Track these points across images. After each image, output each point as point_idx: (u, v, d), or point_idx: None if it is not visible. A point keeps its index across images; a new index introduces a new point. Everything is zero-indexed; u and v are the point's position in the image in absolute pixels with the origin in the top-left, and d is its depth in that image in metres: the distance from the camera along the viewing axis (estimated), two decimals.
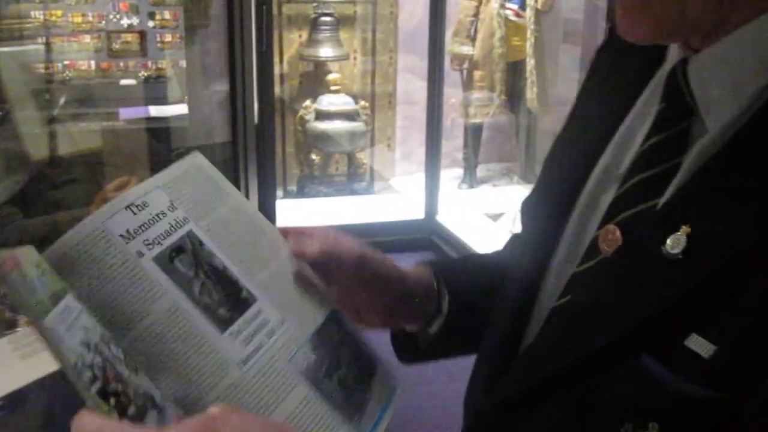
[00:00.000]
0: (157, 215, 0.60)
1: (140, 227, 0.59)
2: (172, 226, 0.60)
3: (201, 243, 0.61)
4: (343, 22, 3.94)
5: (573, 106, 0.68)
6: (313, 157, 3.98)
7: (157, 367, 0.56)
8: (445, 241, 3.49)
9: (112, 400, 0.49)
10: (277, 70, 3.62)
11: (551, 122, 3.62)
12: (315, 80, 3.95)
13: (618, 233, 0.54)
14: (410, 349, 0.76)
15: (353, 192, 3.98)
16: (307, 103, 3.83)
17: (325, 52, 3.80)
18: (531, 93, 3.57)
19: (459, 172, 4.12)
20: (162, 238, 0.59)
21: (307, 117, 3.85)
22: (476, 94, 3.83)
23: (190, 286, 0.59)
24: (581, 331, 0.53)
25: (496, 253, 0.80)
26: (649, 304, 0.49)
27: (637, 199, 0.53)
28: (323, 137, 3.86)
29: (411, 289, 0.72)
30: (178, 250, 0.60)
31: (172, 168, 0.66)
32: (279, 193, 3.62)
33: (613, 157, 0.58)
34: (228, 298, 0.61)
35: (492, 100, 3.78)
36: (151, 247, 0.59)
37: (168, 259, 0.59)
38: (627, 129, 0.58)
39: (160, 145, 3.21)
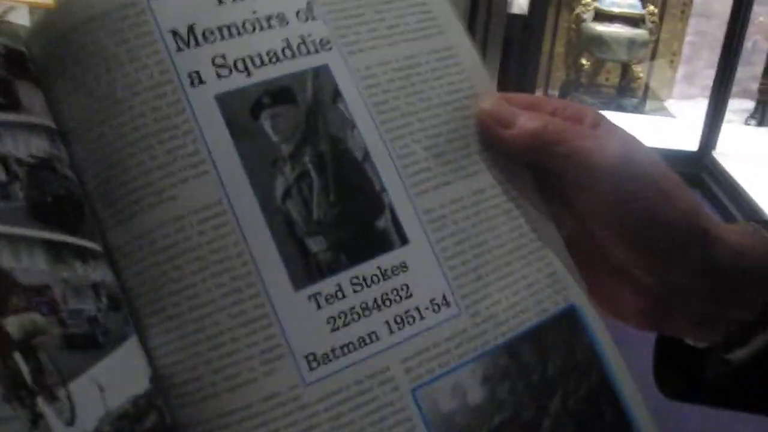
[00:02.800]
0: (266, 18, 0.38)
1: (219, 29, 0.37)
2: (288, 46, 0.38)
3: (337, 94, 0.38)
4: None
5: None
6: (583, 62, 3.66)
7: (145, 312, 0.35)
8: (717, 181, 3.08)
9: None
10: None
11: None
12: None
13: None
14: (688, 380, 0.46)
15: (621, 108, 3.60)
16: (587, 0, 3.48)
17: None
18: None
19: (750, 104, 3.63)
20: (257, 61, 0.37)
21: (585, 16, 3.50)
22: None
23: (271, 177, 0.36)
24: None
25: None
26: None
27: None
28: (598, 41, 3.52)
29: (720, 261, 0.41)
30: (279, 95, 0.37)
31: None
32: (538, 94, 3.35)
33: None
34: (344, 223, 0.37)
35: None
36: (224, 70, 0.36)
37: (249, 108, 0.37)
38: None
39: None
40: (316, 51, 0.39)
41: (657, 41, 3.69)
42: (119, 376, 0.34)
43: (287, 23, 0.38)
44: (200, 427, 0.35)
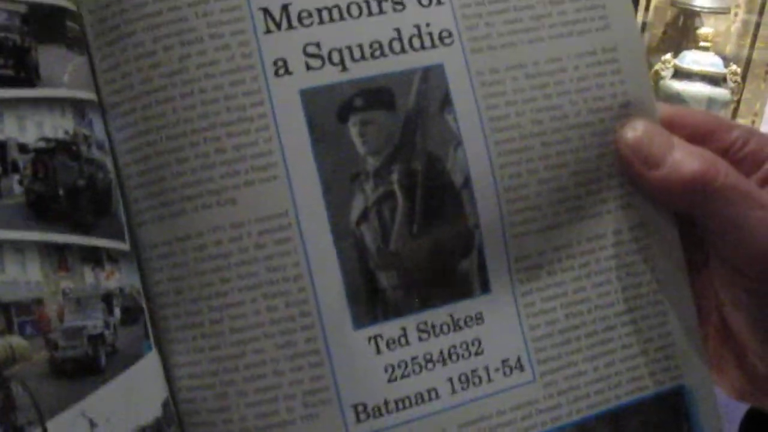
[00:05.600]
0: (379, 0, 0.32)
1: (318, 11, 0.31)
2: (398, 37, 0.32)
3: (447, 101, 0.32)
4: None
5: None
6: None
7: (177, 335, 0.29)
8: None
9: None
10: (640, 17, 3.28)
11: None
12: (682, 33, 3.52)
13: None
14: None
15: None
16: (667, 57, 3.39)
17: (702, 1, 3.33)
18: None
19: None
20: (356, 53, 0.31)
21: (664, 73, 3.42)
22: None
23: (350, 193, 0.31)
24: None
25: None
26: None
27: None
28: (677, 99, 3.43)
29: None
30: (375, 97, 0.31)
31: None
32: None
33: None
34: (424, 259, 0.31)
35: None
36: (316, 61, 0.31)
37: (337, 109, 0.31)
38: None
39: None
40: (432, 46, 0.33)
41: (738, 101, 3.57)
42: (122, 405, 0.27)
43: (403, 8, 0.32)
44: None
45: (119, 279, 0.30)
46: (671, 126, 0.35)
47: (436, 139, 0.32)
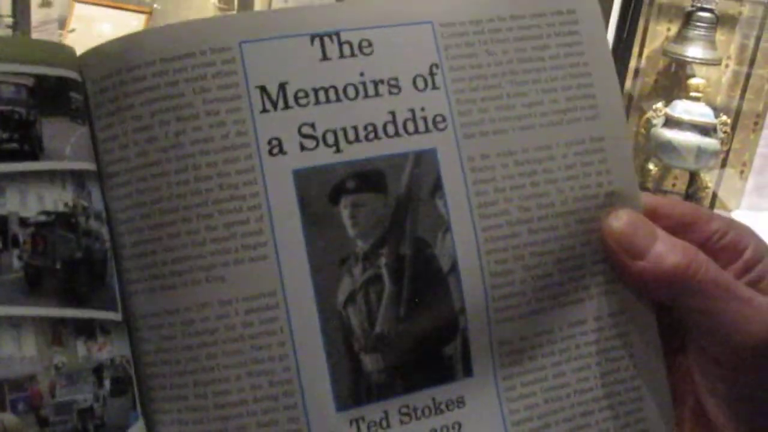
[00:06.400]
0: (375, 83, 0.32)
1: (315, 92, 0.32)
2: (392, 120, 0.33)
3: (438, 186, 0.32)
4: (722, 22, 3.46)
5: None
6: (651, 167, 3.60)
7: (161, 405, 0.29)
8: None
9: None
10: (632, 63, 3.32)
11: None
12: (673, 82, 3.56)
13: None
14: None
15: None
16: (659, 105, 3.38)
17: (694, 52, 3.35)
18: None
19: None
20: (350, 135, 0.32)
21: (655, 121, 3.43)
22: None
23: (338, 276, 0.31)
24: None
25: None
26: None
27: None
28: (667, 147, 3.46)
29: None
30: (367, 180, 0.32)
31: None
32: None
33: None
34: (409, 344, 0.31)
35: None
36: (310, 142, 0.31)
37: (329, 191, 0.31)
38: None
39: None
40: (426, 130, 0.33)
41: (728, 151, 3.60)
42: None
43: (399, 91, 0.33)
44: None
45: (110, 350, 0.30)
46: (655, 216, 0.36)
47: (426, 224, 0.33)
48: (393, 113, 0.33)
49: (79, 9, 2.22)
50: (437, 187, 0.33)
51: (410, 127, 0.33)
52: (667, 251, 0.34)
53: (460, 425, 0.32)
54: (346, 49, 0.32)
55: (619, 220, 0.35)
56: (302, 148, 0.32)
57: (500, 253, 0.33)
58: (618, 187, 0.36)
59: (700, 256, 0.34)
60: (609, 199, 0.36)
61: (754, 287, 0.35)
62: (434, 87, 0.33)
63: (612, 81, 0.37)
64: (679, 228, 0.36)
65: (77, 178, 0.31)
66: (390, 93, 0.33)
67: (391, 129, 0.33)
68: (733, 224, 0.37)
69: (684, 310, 0.35)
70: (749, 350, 0.34)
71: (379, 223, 0.32)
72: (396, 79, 0.33)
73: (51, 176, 0.30)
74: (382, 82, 0.33)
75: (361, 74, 0.32)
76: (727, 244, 0.36)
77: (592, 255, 0.35)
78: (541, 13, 0.35)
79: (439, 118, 0.33)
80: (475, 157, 0.34)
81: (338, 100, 0.33)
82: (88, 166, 0.32)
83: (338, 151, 0.32)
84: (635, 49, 3.35)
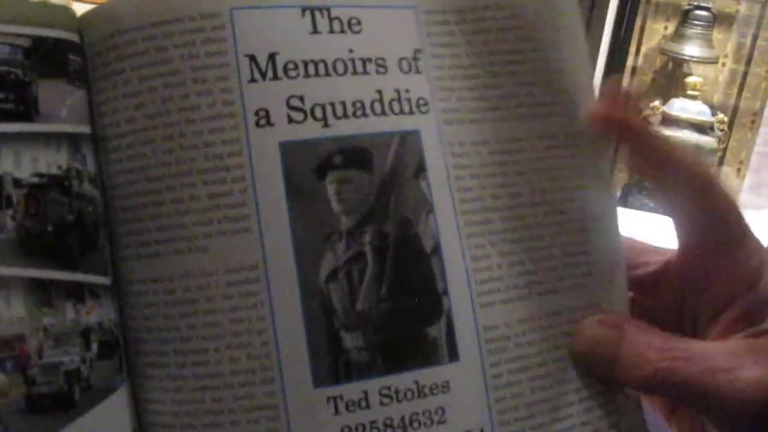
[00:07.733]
0: (363, 61, 0.32)
1: (305, 64, 0.32)
2: (379, 99, 0.33)
3: (421, 168, 0.33)
4: (719, 20, 3.46)
5: None
6: None
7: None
8: None
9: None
10: (629, 62, 3.32)
11: None
12: (671, 80, 3.56)
13: None
14: None
15: None
16: (656, 103, 3.39)
17: (691, 50, 3.36)
18: None
19: None
20: (338, 110, 0.32)
21: (652, 119, 3.44)
22: None
23: (321, 252, 0.31)
24: None
25: None
26: None
27: None
28: None
29: None
30: (354, 156, 0.32)
31: None
32: None
33: None
34: (390, 322, 0.31)
35: None
36: (298, 114, 0.31)
37: (316, 165, 0.31)
38: None
39: None
40: (410, 112, 0.33)
41: (725, 149, 3.61)
42: None
43: (386, 71, 0.32)
44: None
45: (99, 313, 0.30)
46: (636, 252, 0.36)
47: (410, 204, 0.33)
48: (380, 92, 0.33)
49: (79, 9, 2.20)
50: (421, 168, 0.33)
51: (396, 107, 0.33)
52: (630, 365, 0.33)
53: (443, 410, 0.31)
54: (336, 25, 0.32)
55: (581, 336, 0.34)
56: (290, 120, 0.31)
57: (478, 238, 0.33)
58: (589, 183, 0.37)
59: (667, 354, 0.32)
60: (580, 193, 0.36)
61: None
62: (417, 71, 0.33)
63: (589, 77, 0.37)
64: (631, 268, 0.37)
65: (72, 141, 0.32)
66: (377, 72, 0.33)
67: (378, 107, 0.33)
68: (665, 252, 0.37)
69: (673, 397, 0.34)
70: (748, 417, 0.33)
71: (364, 201, 0.33)
72: (383, 59, 0.33)
73: (46, 138, 0.31)
74: (370, 60, 0.33)
75: (350, 50, 0.32)
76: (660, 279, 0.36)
77: (562, 247, 0.36)
78: (525, 5, 0.35)
79: (422, 101, 0.33)
80: (454, 143, 0.34)
81: (327, 74, 0.32)
82: (84, 129, 0.32)
83: (326, 125, 0.32)
84: (632, 47, 3.36)
